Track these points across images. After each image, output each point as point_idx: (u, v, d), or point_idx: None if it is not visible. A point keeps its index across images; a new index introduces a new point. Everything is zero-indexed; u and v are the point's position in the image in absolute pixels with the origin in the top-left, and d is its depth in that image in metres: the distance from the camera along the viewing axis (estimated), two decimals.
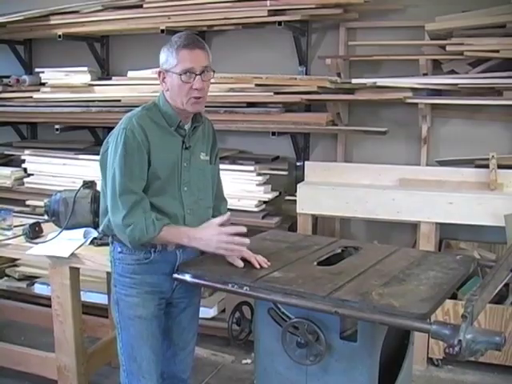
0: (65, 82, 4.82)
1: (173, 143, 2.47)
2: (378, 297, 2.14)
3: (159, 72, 2.44)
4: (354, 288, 2.24)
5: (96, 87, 4.74)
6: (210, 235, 2.38)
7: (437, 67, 4.16)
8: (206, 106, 4.25)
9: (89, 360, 3.46)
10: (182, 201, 2.48)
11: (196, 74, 2.37)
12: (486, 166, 3.91)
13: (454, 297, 3.75)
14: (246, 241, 2.40)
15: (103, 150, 2.47)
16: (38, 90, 4.88)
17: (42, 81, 4.94)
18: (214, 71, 2.45)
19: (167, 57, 2.38)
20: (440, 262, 2.57)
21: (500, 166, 3.89)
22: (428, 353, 3.95)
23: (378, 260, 2.58)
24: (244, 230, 2.41)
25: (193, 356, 2.82)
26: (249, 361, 3.98)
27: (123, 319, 2.50)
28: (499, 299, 3.83)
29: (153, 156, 2.39)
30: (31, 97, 4.86)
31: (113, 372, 2.60)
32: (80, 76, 4.79)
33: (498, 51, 3.83)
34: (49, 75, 4.90)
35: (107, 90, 4.68)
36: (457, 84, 3.94)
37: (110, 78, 4.86)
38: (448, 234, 4.20)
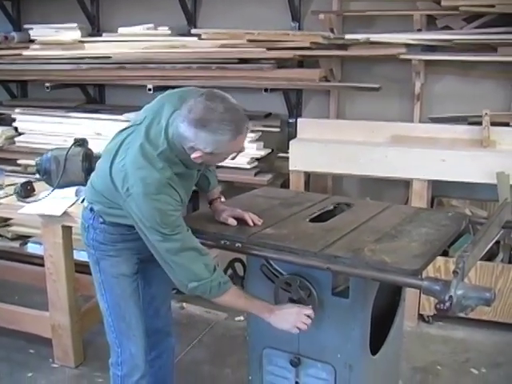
0: (54, 38, 4.74)
1: (191, 178, 2.37)
2: (370, 253, 2.14)
3: (195, 150, 2.15)
4: (346, 244, 2.24)
5: (86, 44, 4.66)
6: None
7: (431, 23, 4.11)
8: (197, 63, 4.26)
9: (82, 318, 3.49)
10: None
11: None
12: (480, 124, 3.88)
13: (445, 254, 3.77)
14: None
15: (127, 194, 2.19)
16: (28, 48, 4.80)
17: (31, 38, 4.87)
18: None
19: (217, 144, 2.12)
20: (432, 219, 2.57)
21: (493, 124, 3.86)
22: (419, 309, 3.99)
23: (370, 216, 2.58)
24: None
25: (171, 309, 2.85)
26: (241, 318, 4.01)
27: (107, 279, 2.47)
28: (490, 257, 3.86)
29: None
30: (20, 54, 4.77)
31: None
32: (70, 33, 4.72)
33: (493, 6, 3.77)
34: (38, 32, 4.83)
35: (98, 47, 4.60)
36: (451, 40, 3.90)
37: (101, 35, 4.79)
38: (440, 191, 4.21)
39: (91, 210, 2.44)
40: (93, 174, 2.48)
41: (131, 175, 2.16)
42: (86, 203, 2.50)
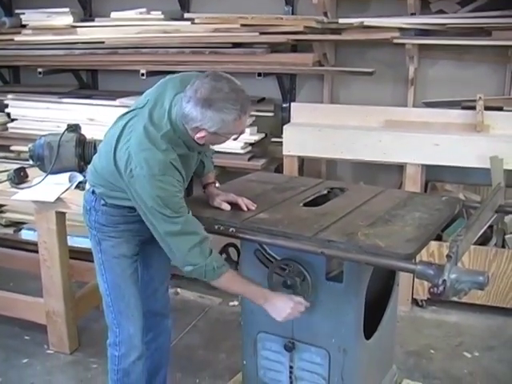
0: (46, 23, 4.70)
1: (192, 159, 2.39)
2: (363, 237, 2.15)
3: (200, 129, 2.18)
4: (340, 229, 2.24)
5: (79, 29, 4.61)
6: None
7: (425, 7, 4.09)
8: (190, 47, 4.22)
9: (77, 304, 3.49)
10: None
11: None
12: (473, 108, 3.88)
13: (438, 238, 3.78)
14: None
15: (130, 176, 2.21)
16: (20, 33, 4.75)
17: (23, 23, 4.82)
18: None
19: (222, 123, 2.15)
20: (425, 203, 2.58)
21: (487, 108, 3.86)
22: (413, 294, 4.00)
23: (364, 201, 2.59)
24: None
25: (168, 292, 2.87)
26: (236, 302, 4.02)
27: (108, 259, 2.49)
28: (483, 241, 3.87)
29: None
30: (12, 39, 4.73)
31: (101, 316, 2.62)
32: (62, 17, 4.67)
33: None
34: (30, 17, 4.79)
35: (90, 32, 4.56)
36: (445, 24, 3.89)
37: (93, 20, 4.74)
38: (434, 175, 4.21)
39: (93, 192, 2.45)
40: (95, 157, 2.49)
41: (135, 157, 2.18)
42: (87, 186, 2.51)
